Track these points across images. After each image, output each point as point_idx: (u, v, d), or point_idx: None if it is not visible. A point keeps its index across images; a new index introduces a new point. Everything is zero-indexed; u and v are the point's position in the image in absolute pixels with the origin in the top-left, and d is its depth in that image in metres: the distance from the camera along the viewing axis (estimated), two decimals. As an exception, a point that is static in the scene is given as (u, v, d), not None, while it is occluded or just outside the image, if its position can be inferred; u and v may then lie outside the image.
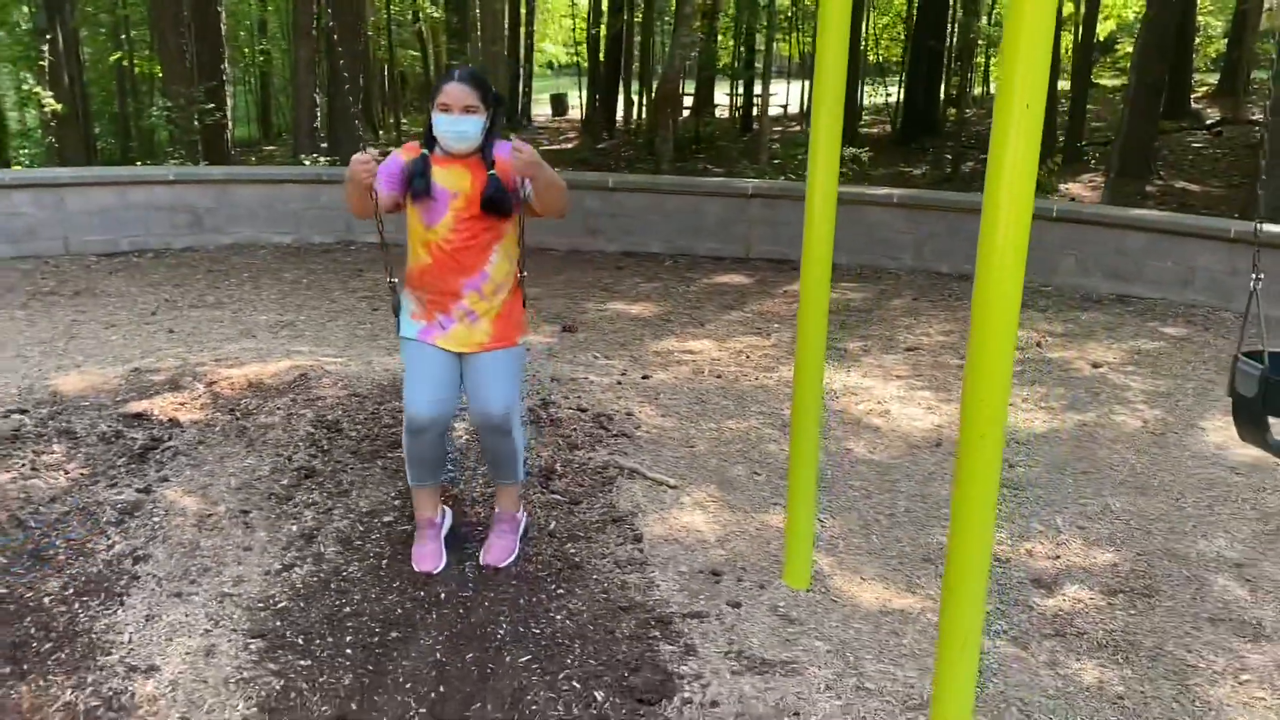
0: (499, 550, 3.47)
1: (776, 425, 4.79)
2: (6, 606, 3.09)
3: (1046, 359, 6.02)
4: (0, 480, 3.76)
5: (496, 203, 3.15)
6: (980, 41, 23.24)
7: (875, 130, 23.35)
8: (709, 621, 3.16)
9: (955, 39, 21.99)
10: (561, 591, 3.30)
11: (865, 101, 25.27)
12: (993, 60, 21.31)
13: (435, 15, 24.99)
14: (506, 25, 19.26)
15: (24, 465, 3.87)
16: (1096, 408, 5.19)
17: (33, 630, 3.00)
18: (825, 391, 5.26)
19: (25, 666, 2.84)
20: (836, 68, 2.94)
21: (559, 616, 3.17)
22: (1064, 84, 18.94)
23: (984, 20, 22.38)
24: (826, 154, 3.03)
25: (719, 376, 5.50)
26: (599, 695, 2.81)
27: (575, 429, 4.43)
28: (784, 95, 26.88)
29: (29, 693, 2.74)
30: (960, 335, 6.49)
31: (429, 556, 3.41)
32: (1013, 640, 3.16)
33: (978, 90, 26.89)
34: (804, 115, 22.27)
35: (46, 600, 3.14)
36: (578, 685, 2.85)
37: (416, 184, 3.15)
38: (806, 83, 24.94)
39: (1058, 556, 3.69)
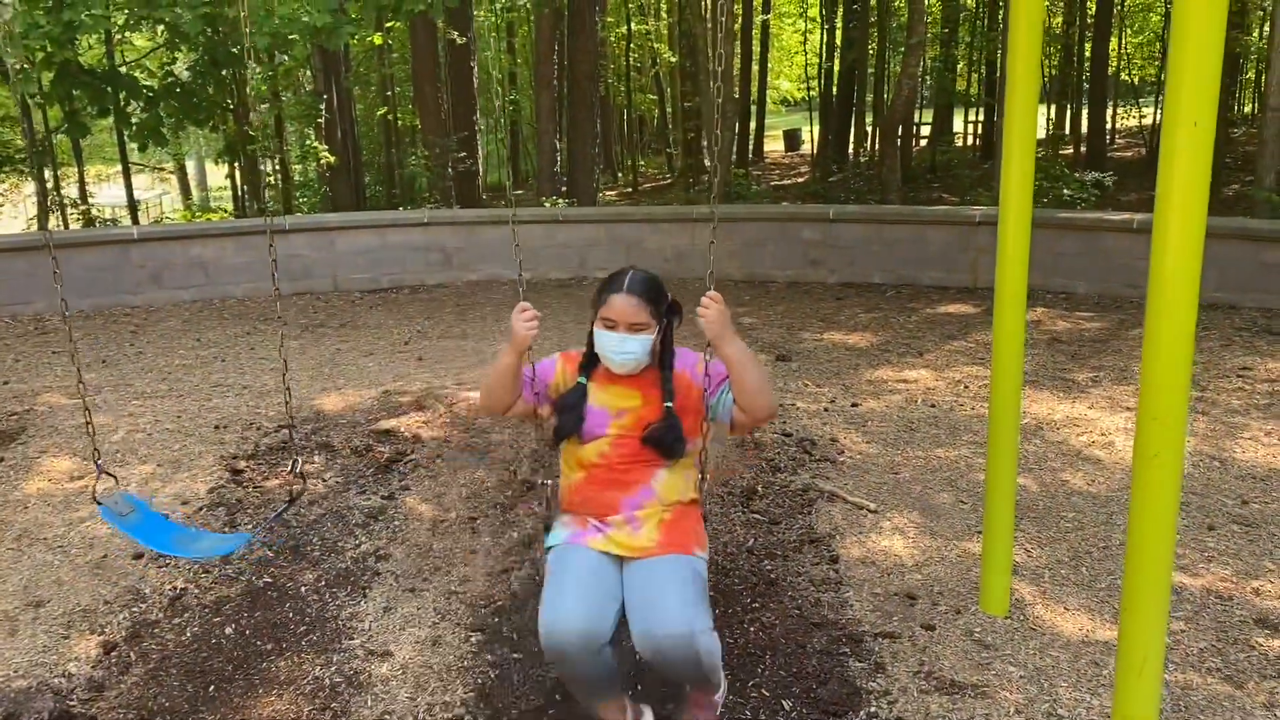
0: None
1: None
2: (271, 594, 3.56)
3: (1301, 392, 5.59)
4: (270, 486, 4.31)
5: (662, 443, 2.71)
6: (1251, 55, 21.57)
7: (1129, 154, 22.10)
8: (900, 642, 3.21)
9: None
10: (756, 605, 3.43)
11: (1117, 124, 23.97)
12: (1262, 76, 19.68)
13: (672, 60, 25.80)
14: (738, 65, 19.67)
15: (289, 474, 4.41)
16: (1353, 444, 4.79)
17: (291, 615, 3.44)
18: (1046, 423, 5.13)
19: (284, 645, 3.27)
20: (1028, 91, 2.97)
21: (752, 629, 3.30)
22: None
23: (1254, 34, 20.77)
24: (1020, 178, 3.05)
25: (933, 405, 5.46)
26: (786, 704, 2.92)
27: (779, 453, 4.56)
28: (1027, 121, 25.85)
29: (286, 666, 3.15)
30: (1202, 366, 6.12)
31: None
32: (1227, 679, 3.01)
33: (1246, 108, 24.92)
34: (1046, 140, 21.36)
35: (303, 590, 3.59)
36: (766, 693, 2.97)
37: (564, 421, 2.77)
38: (1051, 107, 23.96)
39: (1289, 597, 3.47)
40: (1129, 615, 2.19)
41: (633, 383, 2.78)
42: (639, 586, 2.59)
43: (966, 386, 5.84)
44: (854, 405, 5.42)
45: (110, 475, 2.96)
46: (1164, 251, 2.03)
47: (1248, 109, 24.71)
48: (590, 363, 2.85)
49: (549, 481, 3.00)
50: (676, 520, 2.75)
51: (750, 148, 26.33)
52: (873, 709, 2.88)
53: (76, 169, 17.40)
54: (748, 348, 2.66)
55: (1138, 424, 2.14)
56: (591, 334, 2.81)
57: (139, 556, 3.79)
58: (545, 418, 2.86)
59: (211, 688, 3.05)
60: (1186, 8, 1.94)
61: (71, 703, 2.95)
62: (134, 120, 10.39)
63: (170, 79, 10.65)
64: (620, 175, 27.43)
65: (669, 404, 2.74)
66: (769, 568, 3.66)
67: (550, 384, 2.87)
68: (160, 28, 10.30)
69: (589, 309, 2.83)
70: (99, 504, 2.93)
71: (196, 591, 3.57)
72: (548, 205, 12.61)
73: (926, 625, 3.29)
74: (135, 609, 3.47)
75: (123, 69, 11.75)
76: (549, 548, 2.78)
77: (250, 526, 3.99)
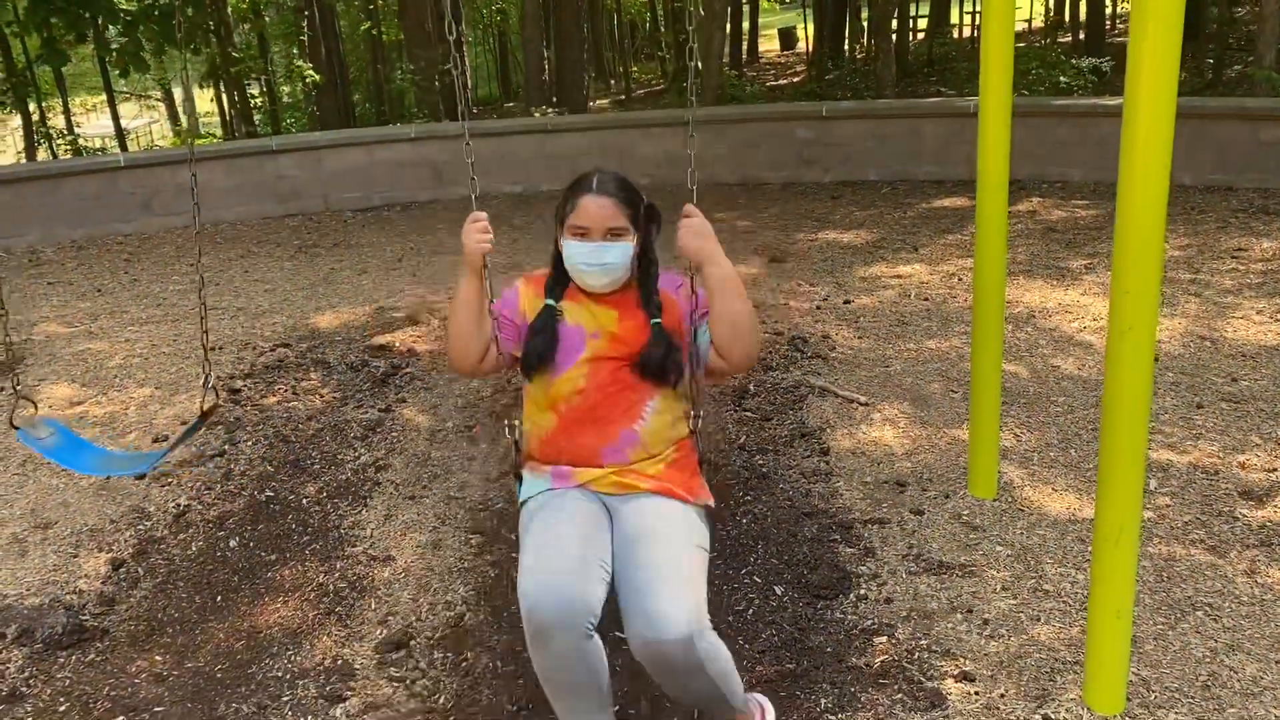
0: None
1: (980, 344, 4.74)
2: (273, 507, 3.63)
3: (1295, 270, 5.58)
4: (269, 403, 4.36)
5: (657, 364, 2.30)
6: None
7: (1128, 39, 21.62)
8: (890, 527, 3.27)
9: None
10: (748, 498, 3.49)
11: (1118, 8, 23.40)
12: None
13: (661, -41, 25.16)
14: (728, -38, 19.15)
15: (287, 391, 4.46)
16: (1344, 319, 4.80)
17: (294, 526, 3.51)
18: (1038, 311, 5.15)
19: (288, 555, 3.35)
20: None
21: (744, 520, 3.37)
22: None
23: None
24: (999, 65, 3.01)
25: (926, 299, 5.47)
26: (778, 589, 3.00)
27: (770, 352, 4.59)
28: (1028, 9, 25.32)
29: (290, 575, 3.23)
30: (1197, 249, 6.10)
31: None
32: (1210, 549, 3.07)
33: (1251, -16, 24.27)
34: (1043, 28, 20.92)
35: (305, 502, 3.66)
36: (759, 580, 3.05)
37: (534, 344, 2.33)
38: (1051, -7, 23.41)
39: (1274, 469, 3.52)
40: (1105, 487, 2.23)
41: (609, 301, 2.37)
42: (630, 547, 2.17)
43: (960, 279, 5.83)
44: (846, 302, 5.43)
45: (30, 401, 2.88)
46: (1134, 125, 2.02)
47: (1252, -14, 24.09)
48: (556, 284, 2.42)
49: (514, 422, 2.47)
50: (673, 463, 2.36)
51: (745, 48, 25.81)
52: (862, 591, 2.96)
53: (61, 99, 17.15)
54: (736, 274, 2.26)
55: (1111, 299, 2.15)
56: (557, 252, 2.40)
57: (141, 477, 3.85)
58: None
59: (219, 598, 3.13)
60: None
61: (84, 617, 3.04)
62: (113, 46, 10.21)
63: (148, 2, 10.44)
64: (613, 83, 26.97)
65: (657, 320, 2.32)
66: (760, 462, 3.72)
67: (520, 311, 2.42)
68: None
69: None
70: (16, 429, 2.81)
71: (200, 508, 3.64)
72: (537, 115, 12.44)
73: (915, 510, 3.36)
74: (141, 527, 3.54)
75: (99, -7, 11.48)
76: (523, 502, 2.36)
77: (250, 443, 4.05)
